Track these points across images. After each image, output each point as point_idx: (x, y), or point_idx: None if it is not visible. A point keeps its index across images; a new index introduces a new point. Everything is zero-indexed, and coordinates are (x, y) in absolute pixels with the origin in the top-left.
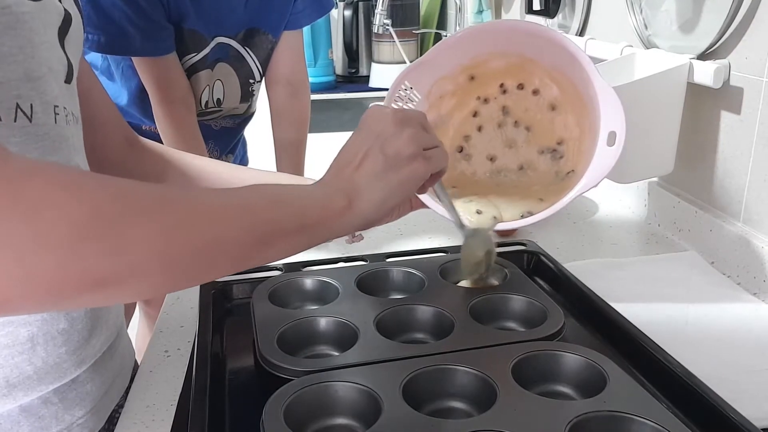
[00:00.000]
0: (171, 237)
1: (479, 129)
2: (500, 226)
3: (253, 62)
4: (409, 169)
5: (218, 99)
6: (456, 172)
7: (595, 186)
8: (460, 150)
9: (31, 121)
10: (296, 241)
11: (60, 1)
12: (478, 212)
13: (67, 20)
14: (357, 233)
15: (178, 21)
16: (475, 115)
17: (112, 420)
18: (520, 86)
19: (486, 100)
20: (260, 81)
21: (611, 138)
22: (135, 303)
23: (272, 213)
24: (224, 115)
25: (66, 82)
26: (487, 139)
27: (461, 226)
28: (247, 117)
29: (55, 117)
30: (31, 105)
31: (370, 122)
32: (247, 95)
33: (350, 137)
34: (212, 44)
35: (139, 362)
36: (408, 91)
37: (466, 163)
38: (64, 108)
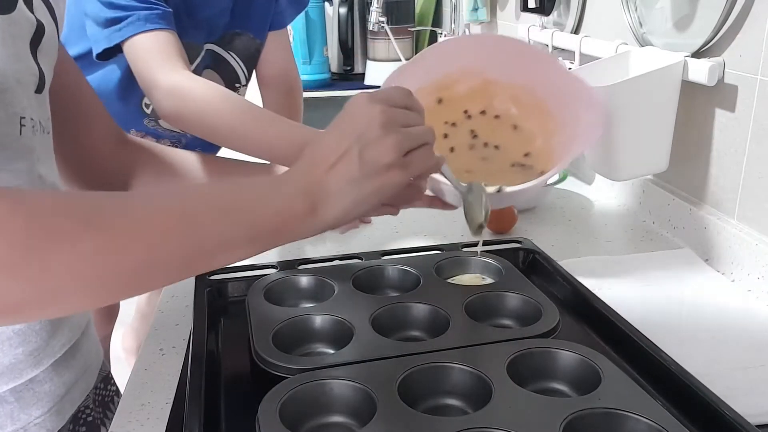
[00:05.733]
0: (95, 261)
1: (452, 150)
2: (491, 189)
3: (237, 65)
4: (385, 177)
5: None
6: None
7: (581, 153)
8: None
9: None
10: (245, 251)
11: (32, 12)
12: None
13: (39, 31)
14: None
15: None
16: (446, 136)
17: (78, 419)
18: (483, 113)
19: (454, 124)
20: (246, 85)
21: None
22: (118, 303)
23: (219, 225)
24: None
25: (36, 92)
26: (463, 160)
27: (458, 187)
28: None
29: (21, 128)
30: None
31: (353, 118)
32: None
33: (329, 129)
34: (203, 53)
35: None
36: None
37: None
38: (31, 119)
